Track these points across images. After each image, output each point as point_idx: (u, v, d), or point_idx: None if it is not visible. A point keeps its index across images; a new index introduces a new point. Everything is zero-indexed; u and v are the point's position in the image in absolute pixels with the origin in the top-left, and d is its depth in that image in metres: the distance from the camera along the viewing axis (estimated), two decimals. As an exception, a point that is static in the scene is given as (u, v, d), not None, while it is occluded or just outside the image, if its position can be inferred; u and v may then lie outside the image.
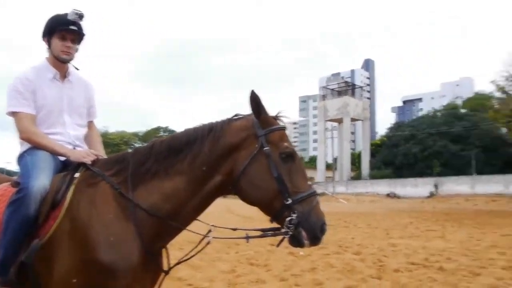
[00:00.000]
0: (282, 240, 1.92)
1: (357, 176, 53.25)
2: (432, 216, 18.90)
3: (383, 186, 42.38)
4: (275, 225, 1.94)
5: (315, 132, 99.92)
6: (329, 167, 57.28)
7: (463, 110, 55.86)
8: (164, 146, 2.03)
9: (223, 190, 2.00)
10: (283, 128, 2.00)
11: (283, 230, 1.85)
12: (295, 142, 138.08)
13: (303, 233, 1.84)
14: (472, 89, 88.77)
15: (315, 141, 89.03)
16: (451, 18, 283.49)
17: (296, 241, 1.87)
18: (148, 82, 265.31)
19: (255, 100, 1.92)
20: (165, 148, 2.02)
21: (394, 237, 10.99)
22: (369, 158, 52.99)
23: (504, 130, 45.95)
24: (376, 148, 55.56)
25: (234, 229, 2.10)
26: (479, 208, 26.12)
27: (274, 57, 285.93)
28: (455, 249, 8.76)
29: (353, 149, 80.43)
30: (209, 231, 2.11)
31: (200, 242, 2.11)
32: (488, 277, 5.79)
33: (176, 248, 7.29)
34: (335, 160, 55.36)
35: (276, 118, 2.01)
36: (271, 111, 2.03)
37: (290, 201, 1.84)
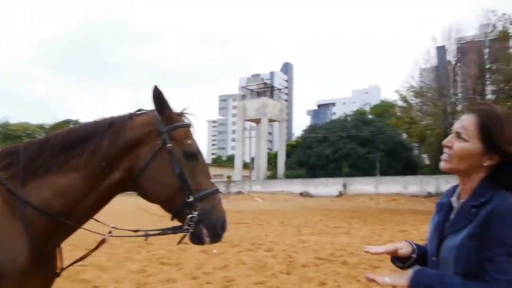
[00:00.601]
0: (183, 238, 1.90)
1: (273, 176, 54.77)
2: (340, 214, 20.08)
3: (297, 186, 44.07)
4: (177, 223, 1.90)
5: (233, 131, 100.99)
6: (246, 166, 58.16)
7: (370, 116, 60.30)
8: (59, 139, 1.88)
9: (122, 187, 1.91)
10: (188, 125, 1.96)
11: (184, 228, 1.83)
12: (213, 140, 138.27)
13: (204, 231, 1.82)
14: (379, 97, 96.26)
15: (233, 140, 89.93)
16: (364, 31, 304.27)
17: (196, 239, 1.84)
18: (59, 70, 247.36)
19: (158, 96, 1.85)
20: (61, 142, 1.87)
21: (305, 234, 11.48)
22: (285, 158, 54.78)
23: (404, 135, 50.57)
24: (292, 149, 57.65)
25: (135, 231, 2.01)
26: (381, 207, 28.35)
27: (197, 54, 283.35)
28: (358, 244, 9.39)
29: (270, 149, 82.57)
30: (110, 232, 1.99)
31: (101, 243, 1.99)
32: (385, 269, 6.28)
33: (81, 248, 6.85)
34: (252, 159, 56.37)
35: (181, 115, 1.97)
36: (181, 107, 1.99)
37: (191, 198, 1.81)
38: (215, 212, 1.85)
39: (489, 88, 37.78)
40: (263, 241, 9.96)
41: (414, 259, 1.54)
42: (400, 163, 47.41)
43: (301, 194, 42.24)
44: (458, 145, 1.36)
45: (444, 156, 1.41)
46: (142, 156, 1.84)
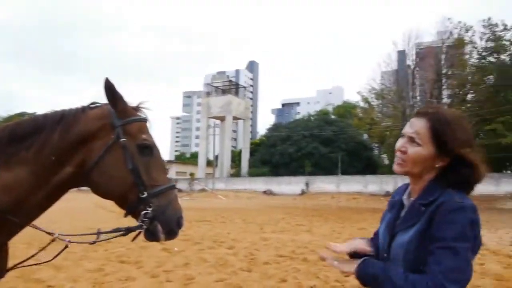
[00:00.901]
0: (138, 235, 1.85)
1: (236, 173, 54.78)
2: (302, 212, 20.39)
3: (260, 184, 44.29)
4: (130, 219, 1.85)
5: (197, 129, 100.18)
6: (209, 163, 57.86)
7: (333, 116, 61.53)
8: (6, 132, 1.79)
9: (74, 182, 1.85)
10: (143, 120, 1.92)
11: (138, 224, 1.78)
12: (177, 137, 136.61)
13: (159, 227, 1.79)
14: (342, 98, 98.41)
15: (197, 137, 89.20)
16: (329, 32, 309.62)
17: (151, 235, 1.80)
18: (17, 61, 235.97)
19: (110, 89, 1.80)
20: (8, 135, 1.78)
21: (267, 232, 11.57)
22: (249, 157, 54.93)
23: (365, 136, 51.99)
24: (256, 147, 57.87)
25: (92, 243, 1.95)
26: (342, 205, 29.01)
27: (162, 48, 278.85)
28: (318, 242, 9.57)
29: (234, 147, 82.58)
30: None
31: (64, 246, 1.91)
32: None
33: (36, 247, 6.61)
34: (216, 157, 56.14)
35: (136, 109, 1.93)
36: (138, 102, 1.95)
37: (145, 194, 1.78)
38: (170, 208, 1.81)
39: (445, 93, 39.50)
40: (225, 238, 9.95)
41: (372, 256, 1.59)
42: (361, 162, 48.69)
43: (265, 192, 42.50)
44: (412, 150, 1.41)
45: (397, 160, 1.46)
46: (94, 151, 1.79)
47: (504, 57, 37.60)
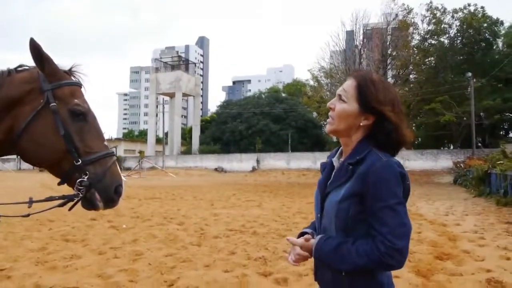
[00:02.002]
0: (75, 204, 1.76)
1: (187, 151, 54.21)
2: (253, 188, 20.67)
3: (211, 161, 44.23)
4: (66, 188, 1.77)
5: (146, 105, 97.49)
6: (159, 141, 56.78)
7: (283, 94, 62.13)
8: None
9: (1, 151, 1.76)
10: (76, 84, 1.82)
11: (74, 193, 1.71)
12: (125, 114, 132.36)
13: (96, 195, 1.72)
14: (293, 76, 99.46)
15: (146, 114, 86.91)
16: (281, 12, 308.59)
17: (88, 204, 1.74)
18: None
19: (35, 49, 1.67)
20: None
21: (218, 208, 11.64)
22: (199, 134, 54.45)
23: (315, 114, 53.08)
24: (206, 124, 57.41)
25: (26, 216, 1.82)
26: (292, 181, 29.69)
27: (106, 20, 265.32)
28: (268, 216, 9.78)
29: (185, 124, 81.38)
30: None
31: None
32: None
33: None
34: (166, 134, 55.10)
35: (69, 73, 1.83)
36: (70, 65, 1.84)
37: (80, 161, 1.71)
38: (108, 175, 1.74)
39: (390, 73, 40.98)
40: (175, 215, 9.90)
41: None
42: (310, 139, 49.88)
43: (216, 169, 42.52)
44: (338, 106, 1.48)
45: (328, 119, 1.52)
46: (22, 116, 1.69)
47: (443, 39, 39.54)
